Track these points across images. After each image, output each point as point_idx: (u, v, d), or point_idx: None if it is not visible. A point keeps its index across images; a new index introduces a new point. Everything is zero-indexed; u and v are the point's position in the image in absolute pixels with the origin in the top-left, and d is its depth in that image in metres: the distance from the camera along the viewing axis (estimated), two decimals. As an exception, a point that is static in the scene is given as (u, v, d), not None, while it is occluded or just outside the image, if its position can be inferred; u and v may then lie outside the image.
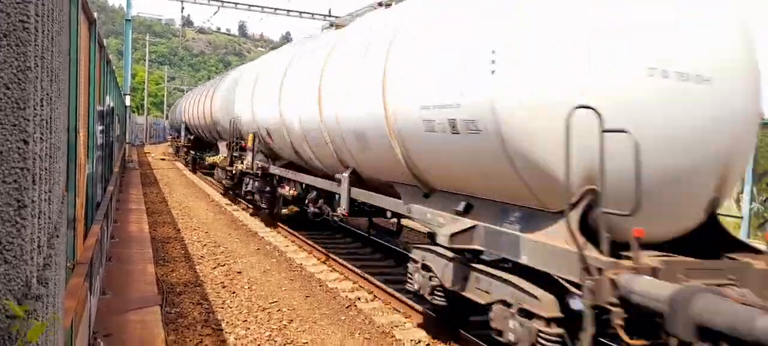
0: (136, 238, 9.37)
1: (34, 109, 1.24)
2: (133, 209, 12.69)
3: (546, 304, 4.38)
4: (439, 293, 5.77)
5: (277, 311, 7.06)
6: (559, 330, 4.30)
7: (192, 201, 17.29)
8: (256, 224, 13.69)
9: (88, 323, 4.66)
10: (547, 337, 4.32)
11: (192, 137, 26.79)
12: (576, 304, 4.22)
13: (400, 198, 6.75)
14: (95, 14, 6.27)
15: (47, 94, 1.56)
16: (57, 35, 1.90)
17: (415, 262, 6.10)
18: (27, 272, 1.25)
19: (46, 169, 1.56)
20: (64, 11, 2.50)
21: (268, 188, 12.57)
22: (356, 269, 8.87)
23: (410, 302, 7.23)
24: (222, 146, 17.36)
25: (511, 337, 4.68)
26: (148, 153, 42.57)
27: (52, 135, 1.72)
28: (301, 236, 11.51)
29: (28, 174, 1.19)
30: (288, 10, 31.19)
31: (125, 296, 6.21)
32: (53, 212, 1.88)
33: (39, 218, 1.42)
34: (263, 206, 13.15)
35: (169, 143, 47.77)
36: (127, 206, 12.93)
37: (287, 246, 11.19)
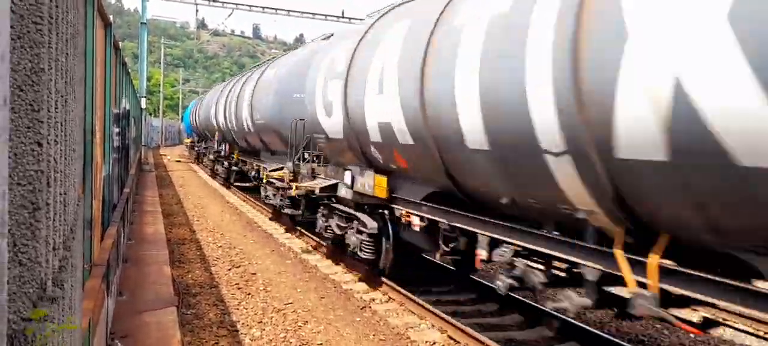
0: (152, 239, 9.44)
1: (49, 111, 1.24)
2: (149, 210, 12.79)
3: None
4: None
5: (292, 312, 7.06)
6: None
7: (207, 202, 17.40)
8: (270, 226, 13.74)
9: (106, 324, 4.69)
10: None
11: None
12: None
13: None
14: (111, 17, 6.33)
15: (62, 97, 1.56)
16: (72, 38, 1.91)
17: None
18: (42, 274, 1.25)
19: (61, 171, 1.56)
20: (79, 14, 2.51)
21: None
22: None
23: (426, 304, 7.20)
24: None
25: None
26: (164, 155, 42.95)
27: (67, 137, 1.72)
28: (315, 238, 11.52)
29: (43, 176, 1.18)
30: (302, 12, 31.29)
31: (142, 297, 6.25)
32: (69, 214, 1.88)
33: (54, 220, 1.41)
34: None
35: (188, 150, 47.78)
36: (143, 208, 13.04)
37: (302, 247, 11.21)
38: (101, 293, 4.16)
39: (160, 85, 68.02)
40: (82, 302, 2.97)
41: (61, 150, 1.51)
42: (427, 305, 7.12)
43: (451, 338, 6.42)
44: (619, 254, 4.14)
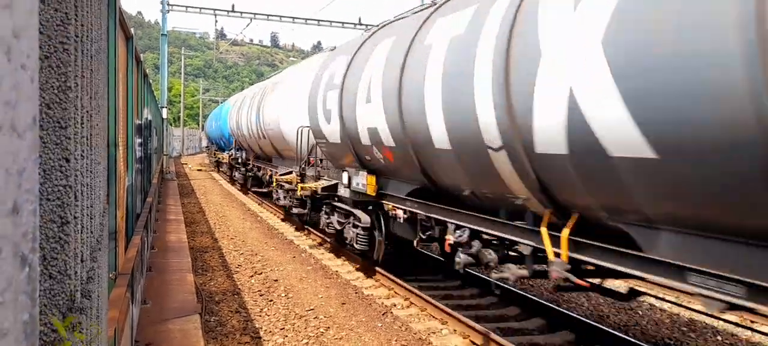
0: (174, 247, 9.55)
1: (75, 127, 1.27)
2: (172, 219, 12.95)
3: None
4: None
5: (314, 318, 7.09)
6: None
7: (228, 210, 17.57)
8: (290, 232, 13.82)
9: (131, 332, 4.76)
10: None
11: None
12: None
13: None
14: (132, 30, 6.44)
15: (87, 112, 1.60)
16: (96, 53, 1.95)
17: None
18: (71, 286, 1.28)
19: (87, 184, 1.60)
20: (102, 29, 2.56)
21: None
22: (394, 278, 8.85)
23: (447, 309, 7.17)
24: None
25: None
26: (185, 164, 43.49)
27: (92, 151, 1.76)
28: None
29: (71, 191, 1.22)
30: (319, 20, 31.49)
31: (165, 305, 6.33)
32: (95, 226, 1.92)
33: (81, 232, 1.45)
34: None
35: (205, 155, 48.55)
36: (165, 217, 13.21)
37: (322, 253, 11.25)
38: (126, 302, 4.22)
39: (180, 95, 68.93)
40: (108, 311, 3.03)
41: (87, 164, 1.55)
42: (449, 310, 7.09)
43: (473, 343, 6.38)
44: (543, 231, 4.89)
